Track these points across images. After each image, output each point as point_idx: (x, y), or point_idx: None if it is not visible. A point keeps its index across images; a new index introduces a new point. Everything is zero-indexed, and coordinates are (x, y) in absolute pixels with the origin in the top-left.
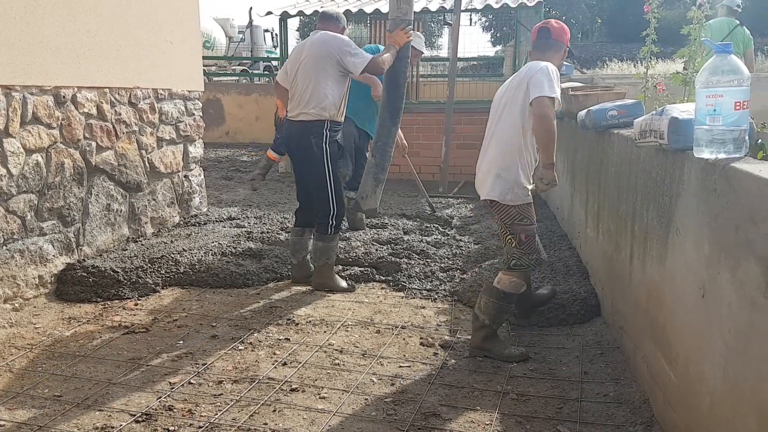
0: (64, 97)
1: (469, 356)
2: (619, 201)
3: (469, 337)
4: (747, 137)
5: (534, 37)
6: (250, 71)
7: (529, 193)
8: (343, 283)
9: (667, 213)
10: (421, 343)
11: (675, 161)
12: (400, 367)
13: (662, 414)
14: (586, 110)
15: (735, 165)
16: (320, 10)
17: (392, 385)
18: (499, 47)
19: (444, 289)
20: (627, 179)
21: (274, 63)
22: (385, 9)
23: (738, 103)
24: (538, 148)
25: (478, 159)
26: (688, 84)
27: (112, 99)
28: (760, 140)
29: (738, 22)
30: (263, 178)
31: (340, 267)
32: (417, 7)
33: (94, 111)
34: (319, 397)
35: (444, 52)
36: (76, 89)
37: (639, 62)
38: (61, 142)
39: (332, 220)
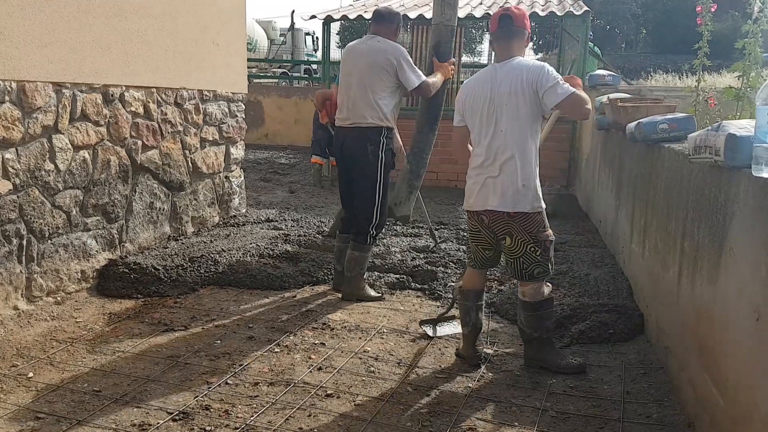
0: (112, 95)
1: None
2: (669, 217)
3: (507, 350)
4: None
5: (494, 27)
6: (290, 74)
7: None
8: (373, 292)
9: (720, 232)
10: (457, 354)
11: (731, 179)
12: (436, 377)
13: None
14: (635, 122)
15: None
16: (364, 14)
17: (428, 395)
18: (540, 54)
19: None
20: (677, 195)
21: (314, 66)
22: (428, 15)
23: None
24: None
25: (473, 164)
26: (742, 99)
27: (159, 99)
28: None
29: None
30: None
31: (376, 274)
32: (461, 13)
33: (141, 110)
34: (354, 404)
35: (484, 59)
36: (124, 88)
37: (684, 74)
38: (108, 140)
39: (372, 230)
